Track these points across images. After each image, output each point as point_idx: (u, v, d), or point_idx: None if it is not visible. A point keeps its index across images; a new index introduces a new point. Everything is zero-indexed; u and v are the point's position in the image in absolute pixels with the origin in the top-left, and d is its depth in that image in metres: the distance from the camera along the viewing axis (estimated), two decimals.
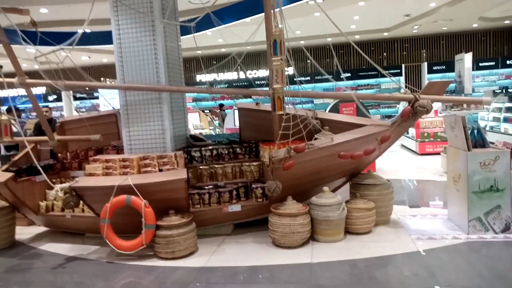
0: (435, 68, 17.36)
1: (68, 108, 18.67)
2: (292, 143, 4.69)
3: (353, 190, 5.23)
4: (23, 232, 5.78)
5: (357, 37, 18.03)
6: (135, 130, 5.31)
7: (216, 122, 14.25)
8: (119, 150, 5.79)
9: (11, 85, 5.41)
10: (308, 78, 17.61)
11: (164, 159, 4.76)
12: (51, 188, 4.56)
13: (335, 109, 9.30)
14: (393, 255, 4.20)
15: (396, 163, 9.80)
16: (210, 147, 5.49)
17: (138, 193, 4.45)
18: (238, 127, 9.31)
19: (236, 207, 5.07)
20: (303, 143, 4.69)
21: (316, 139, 4.95)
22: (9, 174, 5.13)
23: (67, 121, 6.62)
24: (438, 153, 10.73)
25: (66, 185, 4.60)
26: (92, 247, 5.05)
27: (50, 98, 19.83)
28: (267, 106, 6.11)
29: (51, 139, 5.74)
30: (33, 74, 5.56)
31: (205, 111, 15.02)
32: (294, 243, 4.53)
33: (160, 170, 4.79)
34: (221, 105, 15.35)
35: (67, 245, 5.20)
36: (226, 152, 5.51)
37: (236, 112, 10.55)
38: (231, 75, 18.80)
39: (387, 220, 5.21)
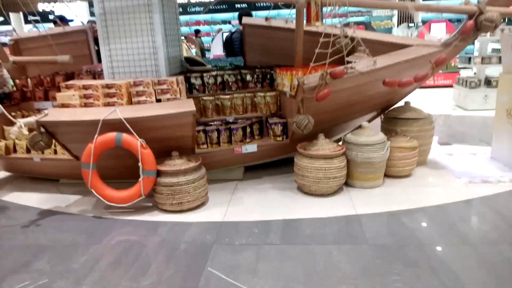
0: None
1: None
2: (327, 67, 3.69)
3: (389, 126, 4.38)
4: None
5: None
6: (117, 48, 4.08)
7: (193, 50, 12.78)
8: (96, 75, 4.57)
9: None
10: None
11: (162, 86, 3.64)
12: (12, 123, 3.41)
13: None
14: (453, 203, 3.47)
15: None
16: (213, 73, 4.39)
17: (132, 130, 3.39)
18: (225, 53, 8.09)
19: (251, 147, 4.14)
20: (338, 67, 3.70)
21: (350, 62, 3.97)
22: None
23: (23, 38, 5.21)
24: (440, 86, 10.09)
25: (31, 119, 3.45)
26: (71, 197, 4.03)
27: None
28: (280, 22, 4.99)
29: (4, 60, 4.43)
30: None
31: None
32: (328, 190, 3.72)
33: (158, 101, 3.70)
34: (197, 31, 13.72)
35: (38, 194, 4.15)
36: (234, 79, 4.44)
37: (225, 35, 9.23)
38: None
39: (424, 160, 4.47)
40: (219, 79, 4.41)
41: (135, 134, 3.40)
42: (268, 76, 4.50)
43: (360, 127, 3.94)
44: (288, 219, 3.31)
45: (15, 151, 4.31)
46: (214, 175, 4.18)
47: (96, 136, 3.40)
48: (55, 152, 4.15)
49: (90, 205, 3.81)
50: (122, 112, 3.42)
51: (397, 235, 2.97)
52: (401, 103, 4.59)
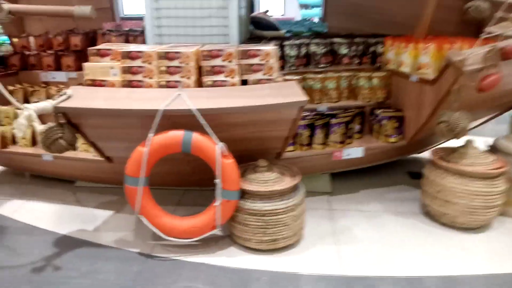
0: None
1: None
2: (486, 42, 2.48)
3: None
4: None
5: None
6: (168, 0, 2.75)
7: None
8: (129, 37, 3.25)
9: None
10: None
11: (252, 60, 2.36)
12: (11, 104, 2.13)
13: None
14: None
15: None
16: (296, 42, 3.10)
17: (209, 129, 2.15)
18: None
19: (355, 152, 2.93)
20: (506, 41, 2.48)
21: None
22: None
23: None
24: None
25: (46, 104, 2.17)
26: (98, 213, 2.81)
27: None
28: None
29: None
30: None
31: None
32: (481, 224, 2.57)
33: (243, 82, 2.42)
34: None
35: (49, 205, 2.91)
36: (322, 51, 3.17)
37: None
38: None
39: None
40: (303, 50, 3.13)
41: (213, 135, 2.16)
42: (370, 50, 3.24)
43: None
44: (447, 276, 2.16)
45: (14, 142, 3.02)
46: None
47: (151, 135, 2.15)
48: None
49: (129, 231, 2.60)
50: (191, 98, 2.16)
51: None
52: None
